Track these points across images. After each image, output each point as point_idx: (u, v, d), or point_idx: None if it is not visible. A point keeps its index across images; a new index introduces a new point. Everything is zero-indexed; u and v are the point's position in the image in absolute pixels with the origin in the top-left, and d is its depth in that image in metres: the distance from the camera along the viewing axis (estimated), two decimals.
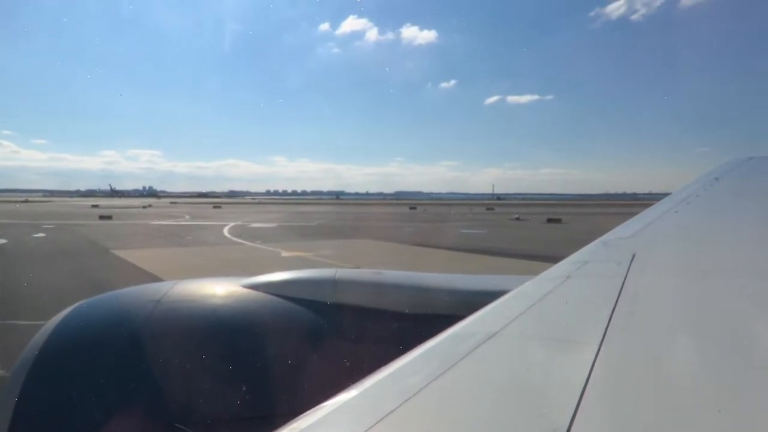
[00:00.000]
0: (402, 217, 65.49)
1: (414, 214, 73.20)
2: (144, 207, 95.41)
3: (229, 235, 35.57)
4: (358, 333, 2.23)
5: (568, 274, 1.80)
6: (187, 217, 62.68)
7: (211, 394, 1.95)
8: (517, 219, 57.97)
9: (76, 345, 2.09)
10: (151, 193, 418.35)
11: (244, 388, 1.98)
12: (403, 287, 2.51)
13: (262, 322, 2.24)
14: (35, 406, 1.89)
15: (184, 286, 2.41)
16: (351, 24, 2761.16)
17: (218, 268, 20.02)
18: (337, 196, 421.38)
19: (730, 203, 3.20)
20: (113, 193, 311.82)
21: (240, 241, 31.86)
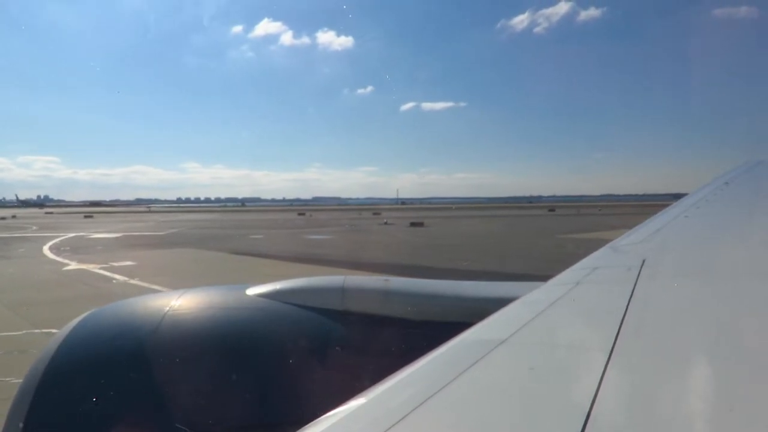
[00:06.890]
0: (273, 224, 64.90)
1: (288, 221, 72.72)
2: (2, 218, 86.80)
3: (45, 248, 33.09)
4: (366, 341, 2.22)
5: (577, 280, 1.78)
6: (35, 228, 57.97)
7: (221, 402, 1.95)
8: (385, 224, 59.65)
9: (88, 353, 2.08)
10: (37, 203, 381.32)
11: (254, 397, 1.98)
12: (411, 294, 2.47)
13: (270, 330, 2.25)
14: (47, 414, 1.88)
15: (193, 295, 2.41)
16: (265, 27, 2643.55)
17: None
18: (243, 203, 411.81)
19: (740, 207, 3.21)
20: (22, 203, 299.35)
21: (46, 253, 29.80)
